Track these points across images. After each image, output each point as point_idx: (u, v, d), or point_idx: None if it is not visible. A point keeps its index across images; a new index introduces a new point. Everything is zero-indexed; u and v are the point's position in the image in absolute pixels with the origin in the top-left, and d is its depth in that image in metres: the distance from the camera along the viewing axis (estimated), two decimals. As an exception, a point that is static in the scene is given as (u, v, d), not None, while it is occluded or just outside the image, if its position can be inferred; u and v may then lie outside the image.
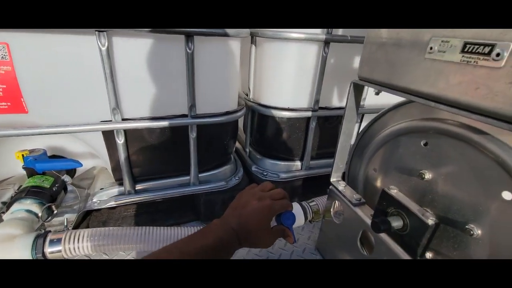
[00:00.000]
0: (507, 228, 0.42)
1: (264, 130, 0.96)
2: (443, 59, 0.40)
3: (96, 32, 0.56)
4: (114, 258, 0.68)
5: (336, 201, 0.71)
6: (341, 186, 0.71)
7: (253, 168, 0.99)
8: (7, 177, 0.82)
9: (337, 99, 0.92)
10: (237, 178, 0.91)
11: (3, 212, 0.63)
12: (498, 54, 0.34)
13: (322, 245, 0.81)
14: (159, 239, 0.64)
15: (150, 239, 0.63)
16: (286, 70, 0.84)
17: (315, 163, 1.00)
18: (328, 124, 0.96)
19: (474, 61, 0.36)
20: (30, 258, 0.53)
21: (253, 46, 0.88)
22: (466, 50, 0.37)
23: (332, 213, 0.73)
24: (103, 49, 0.58)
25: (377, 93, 0.58)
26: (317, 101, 0.87)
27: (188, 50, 0.65)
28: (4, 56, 0.54)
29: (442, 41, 0.40)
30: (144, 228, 0.65)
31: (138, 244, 0.62)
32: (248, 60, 0.91)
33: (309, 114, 0.88)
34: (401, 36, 0.47)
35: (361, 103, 0.94)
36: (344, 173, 0.75)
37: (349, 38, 0.79)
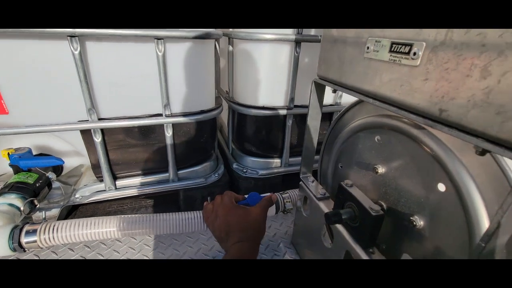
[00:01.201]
0: (444, 219, 0.44)
1: (244, 128, 0.99)
2: (377, 58, 0.42)
3: (68, 37, 0.60)
4: (110, 258, 0.72)
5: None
6: (309, 181, 0.73)
7: (234, 166, 1.02)
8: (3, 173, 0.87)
9: (313, 97, 0.94)
10: (216, 175, 0.95)
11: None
12: (414, 53, 0.36)
13: (296, 239, 0.84)
14: (127, 225, 0.68)
15: (113, 226, 0.67)
16: (260, 69, 0.87)
17: (294, 160, 1.02)
18: (305, 122, 0.98)
19: (399, 60, 0.39)
20: (7, 247, 0.58)
21: (230, 47, 0.91)
22: (392, 49, 0.39)
23: (302, 206, 0.76)
24: (76, 52, 0.62)
25: (334, 91, 0.60)
26: (292, 99, 0.89)
27: (158, 53, 0.68)
28: (-17, 61, 0.59)
29: (376, 41, 0.42)
30: (112, 217, 0.69)
31: (100, 230, 0.66)
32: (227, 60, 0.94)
33: (284, 112, 0.91)
34: (347, 36, 0.50)
35: (338, 100, 0.97)
36: (317, 170, 0.78)
37: (319, 37, 0.81)
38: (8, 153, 0.75)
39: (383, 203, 0.56)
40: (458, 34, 0.30)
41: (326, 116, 1.00)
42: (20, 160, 0.75)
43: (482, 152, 0.31)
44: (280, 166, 1.01)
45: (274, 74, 0.87)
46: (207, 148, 0.94)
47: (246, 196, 0.60)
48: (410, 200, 0.49)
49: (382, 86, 0.42)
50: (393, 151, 0.52)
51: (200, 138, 0.88)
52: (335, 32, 0.53)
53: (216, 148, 1.05)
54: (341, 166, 0.70)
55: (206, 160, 0.95)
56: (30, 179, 0.75)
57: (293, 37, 0.79)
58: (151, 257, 0.72)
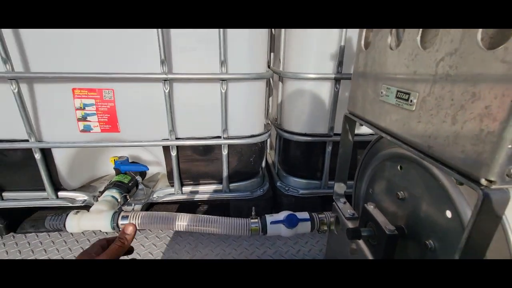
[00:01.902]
0: (452, 242, 0.49)
1: (288, 151, 1.13)
2: (388, 101, 0.53)
3: (163, 81, 0.85)
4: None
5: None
6: (341, 202, 0.82)
7: (278, 184, 1.15)
8: (105, 175, 1.19)
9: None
10: (261, 190, 1.09)
11: (99, 196, 0.96)
12: (411, 100, 0.46)
13: (329, 257, 0.90)
14: (190, 223, 0.86)
15: (180, 222, 0.86)
16: (305, 102, 1.01)
17: (333, 183, 1.10)
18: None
19: (402, 104, 0.48)
20: (109, 226, 0.81)
21: (280, 83, 1.08)
22: (398, 96, 0.49)
23: (334, 226, 0.84)
24: (166, 91, 0.87)
25: (360, 124, 0.70)
26: (331, 128, 1.00)
27: (222, 90, 0.89)
28: (110, 97, 0.88)
29: (387, 88, 0.53)
30: (179, 214, 0.88)
31: (169, 225, 0.85)
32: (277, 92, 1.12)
33: (325, 139, 1.02)
34: (368, 81, 0.61)
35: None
36: (354, 194, 0.86)
37: (357, 75, 0.91)
38: (114, 160, 1.04)
39: (403, 227, 0.61)
40: (437, 89, 0.40)
41: (366, 145, 1.06)
42: (120, 165, 1.03)
43: (460, 183, 0.38)
44: (320, 188, 1.10)
45: (317, 106, 1.00)
46: (255, 166, 1.10)
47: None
48: (425, 225, 0.55)
49: (392, 124, 0.52)
50: (412, 180, 0.59)
51: (250, 158, 1.05)
52: (361, 74, 0.64)
53: (264, 167, 1.20)
54: (371, 191, 0.77)
55: (253, 177, 1.11)
56: (126, 179, 1.02)
57: (333, 75, 0.92)
58: (201, 253, 0.89)
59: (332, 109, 0.97)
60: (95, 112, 0.89)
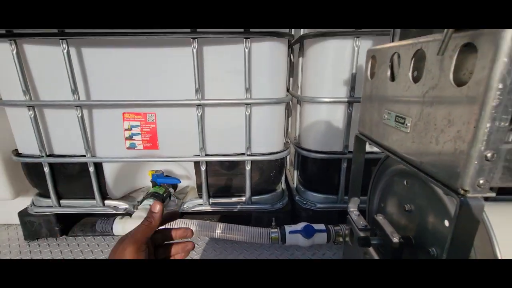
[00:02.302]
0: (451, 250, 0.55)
1: (306, 168, 1.22)
2: (389, 124, 0.61)
3: (196, 106, 1.00)
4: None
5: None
6: (354, 214, 0.88)
7: (296, 198, 1.23)
8: (141, 187, 1.34)
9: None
10: (281, 204, 1.18)
11: (139, 204, 1.10)
12: (407, 124, 0.54)
13: (344, 267, 0.96)
14: (221, 231, 0.97)
15: (210, 229, 0.96)
16: (321, 123, 1.11)
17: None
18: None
19: (399, 127, 0.57)
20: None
21: (298, 106, 1.20)
22: (396, 120, 0.58)
23: (349, 238, 0.90)
24: (199, 115, 1.01)
25: (369, 143, 0.78)
26: (346, 146, 1.08)
27: (246, 113, 1.02)
28: (153, 119, 1.04)
29: (388, 113, 0.62)
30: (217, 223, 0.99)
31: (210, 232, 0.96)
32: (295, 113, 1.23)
33: (339, 156, 1.10)
34: (374, 106, 0.70)
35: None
36: (368, 208, 0.92)
37: (369, 99, 1.01)
38: (152, 173, 1.19)
39: (411, 237, 0.68)
40: (425, 115, 0.49)
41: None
42: (157, 178, 1.17)
43: (446, 193, 0.46)
44: (336, 202, 1.17)
45: (332, 126, 1.09)
46: (275, 181, 1.20)
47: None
48: (429, 234, 0.61)
49: (393, 143, 0.60)
50: (416, 193, 0.66)
51: (270, 173, 1.15)
52: (367, 98, 0.73)
53: (283, 182, 1.29)
54: (382, 205, 0.83)
55: (274, 190, 1.21)
56: (161, 191, 1.16)
57: (346, 99, 1.02)
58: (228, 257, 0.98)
59: (346, 129, 1.06)
60: (139, 132, 1.05)
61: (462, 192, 0.41)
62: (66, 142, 1.07)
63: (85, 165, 1.08)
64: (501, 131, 0.37)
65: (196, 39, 0.92)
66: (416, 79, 0.53)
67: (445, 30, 0.41)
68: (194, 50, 0.93)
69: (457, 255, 0.43)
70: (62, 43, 0.92)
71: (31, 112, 1.00)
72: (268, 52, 0.99)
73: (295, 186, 1.32)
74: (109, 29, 0.89)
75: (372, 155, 1.07)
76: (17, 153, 1.09)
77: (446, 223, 0.55)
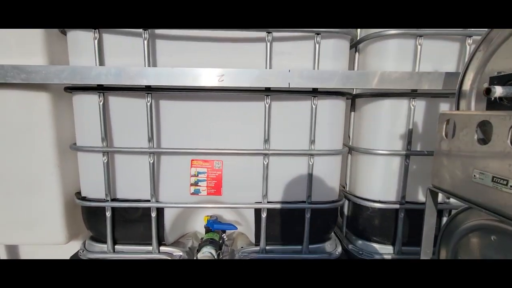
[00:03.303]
0: None
1: (359, 216, 1.23)
2: (483, 183, 0.66)
3: (263, 155, 1.05)
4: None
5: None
6: (429, 269, 0.88)
7: (350, 247, 1.22)
8: (188, 232, 1.33)
9: (422, 195, 1.14)
10: (337, 253, 1.17)
11: (198, 252, 1.08)
12: (511, 186, 0.59)
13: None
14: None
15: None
16: (377, 174, 1.16)
17: (406, 249, 1.16)
18: (417, 215, 1.15)
19: (500, 187, 0.62)
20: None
21: (349, 156, 1.26)
22: (494, 180, 0.63)
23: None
24: (265, 163, 1.06)
25: (448, 198, 0.82)
26: (403, 197, 1.12)
27: (310, 163, 1.07)
28: (219, 167, 1.08)
29: (480, 173, 0.67)
30: None
31: None
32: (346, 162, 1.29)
33: (397, 206, 1.13)
34: (454, 164, 0.75)
35: (445, 199, 1.13)
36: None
37: (425, 152, 1.07)
38: (207, 219, 1.19)
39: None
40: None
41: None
42: (213, 224, 1.17)
43: None
44: (393, 253, 1.16)
45: (389, 178, 1.14)
46: (329, 229, 1.21)
47: None
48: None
49: (490, 203, 0.64)
50: (509, 250, 0.68)
51: (328, 221, 1.16)
52: (445, 157, 0.79)
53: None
54: (460, 258, 0.84)
55: (327, 239, 1.20)
56: (216, 237, 1.15)
57: (404, 152, 1.08)
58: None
59: (403, 180, 1.11)
60: (205, 178, 1.08)
61: None
62: (130, 186, 1.10)
63: (147, 210, 1.10)
64: None
65: (269, 96, 1.01)
66: (514, 145, 0.59)
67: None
68: (267, 105, 1.02)
69: None
70: (147, 97, 1.00)
71: (105, 157, 1.04)
72: (330, 108, 1.08)
73: (344, 233, 1.32)
74: (191, 85, 0.97)
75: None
76: (81, 197, 1.11)
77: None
